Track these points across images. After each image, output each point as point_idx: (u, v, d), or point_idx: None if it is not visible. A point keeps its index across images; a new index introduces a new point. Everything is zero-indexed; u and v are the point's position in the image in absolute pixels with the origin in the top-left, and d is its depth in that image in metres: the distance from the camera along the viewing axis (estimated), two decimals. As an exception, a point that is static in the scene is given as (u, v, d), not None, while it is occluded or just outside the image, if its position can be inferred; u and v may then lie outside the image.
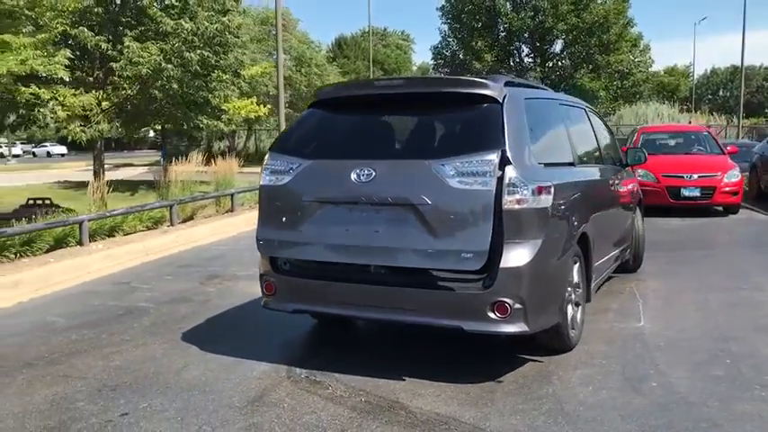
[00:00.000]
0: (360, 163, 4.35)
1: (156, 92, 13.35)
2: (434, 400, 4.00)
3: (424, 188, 4.16)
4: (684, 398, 3.98)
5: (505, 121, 4.23)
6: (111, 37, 12.74)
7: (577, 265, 4.96)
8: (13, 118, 11.54)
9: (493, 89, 4.38)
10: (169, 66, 12.41)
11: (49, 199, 16.29)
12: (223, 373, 4.51)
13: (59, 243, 9.49)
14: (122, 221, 11.20)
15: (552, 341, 4.70)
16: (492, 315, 4.09)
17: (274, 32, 47.87)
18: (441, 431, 3.58)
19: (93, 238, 10.15)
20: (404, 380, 4.30)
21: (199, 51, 12.85)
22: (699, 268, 7.74)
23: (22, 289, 7.12)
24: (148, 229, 11.56)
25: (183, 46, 12.68)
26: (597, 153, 6.17)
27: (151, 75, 12.39)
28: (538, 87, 5.67)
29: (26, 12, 9.62)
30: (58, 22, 10.97)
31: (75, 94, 10.68)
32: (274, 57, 49.30)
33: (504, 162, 4.08)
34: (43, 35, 8.58)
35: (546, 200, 4.27)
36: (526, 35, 19.57)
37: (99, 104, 13.55)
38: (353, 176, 4.30)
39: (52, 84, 10.63)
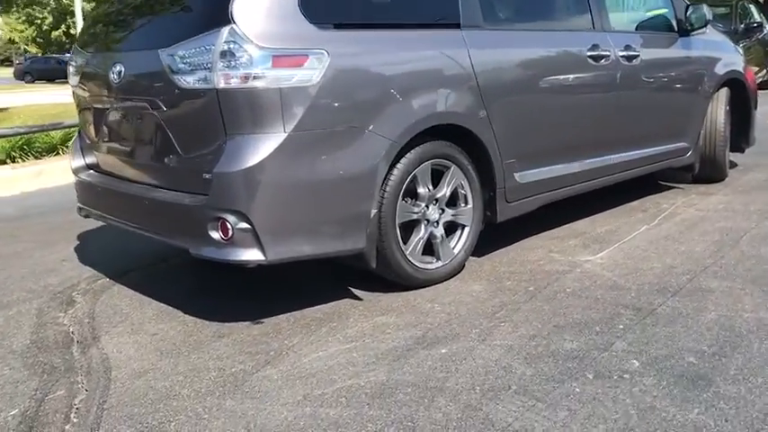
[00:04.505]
0: (114, 57, 3.48)
1: None
2: (139, 340, 3.11)
3: (157, 89, 3.15)
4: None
5: None
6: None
7: (452, 170, 3.55)
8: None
9: None
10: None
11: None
12: (17, 279, 4.03)
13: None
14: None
15: (383, 272, 3.42)
16: (215, 236, 3.00)
17: None
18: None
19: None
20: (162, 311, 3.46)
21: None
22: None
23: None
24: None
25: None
26: (584, 15, 4.32)
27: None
28: None
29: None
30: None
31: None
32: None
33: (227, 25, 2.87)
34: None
35: (304, 75, 2.93)
36: None
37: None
38: (111, 75, 3.43)
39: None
